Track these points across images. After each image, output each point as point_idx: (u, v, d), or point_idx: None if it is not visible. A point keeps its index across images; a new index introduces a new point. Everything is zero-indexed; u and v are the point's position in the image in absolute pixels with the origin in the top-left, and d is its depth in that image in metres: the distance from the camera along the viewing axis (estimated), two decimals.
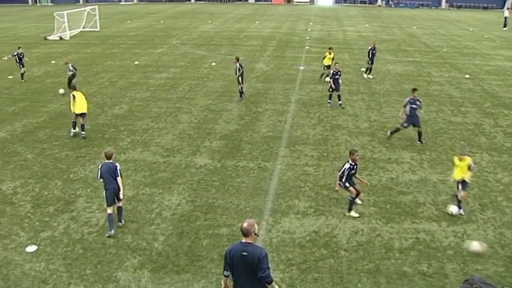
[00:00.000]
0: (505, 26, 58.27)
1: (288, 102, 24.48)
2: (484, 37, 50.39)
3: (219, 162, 17.20)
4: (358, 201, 14.29)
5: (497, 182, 16.37)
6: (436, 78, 30.68)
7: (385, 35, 48.19)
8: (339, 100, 23.45)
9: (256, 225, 8.19)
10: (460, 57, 38.44)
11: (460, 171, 14.04)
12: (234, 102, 24.21)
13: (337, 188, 14.05)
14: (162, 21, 60.97)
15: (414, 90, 19.34)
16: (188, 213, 13.84)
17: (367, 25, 55.98)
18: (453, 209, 13.79)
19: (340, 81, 23.35)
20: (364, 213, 13.98)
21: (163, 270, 11.37)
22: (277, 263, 11.58)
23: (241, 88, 24.36)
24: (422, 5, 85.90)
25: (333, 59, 27.80)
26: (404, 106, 19.15)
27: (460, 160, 14.03)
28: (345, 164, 13.67)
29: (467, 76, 31.54)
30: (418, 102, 19.05)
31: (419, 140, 19.31)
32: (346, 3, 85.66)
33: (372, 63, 29.71)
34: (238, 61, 23.91)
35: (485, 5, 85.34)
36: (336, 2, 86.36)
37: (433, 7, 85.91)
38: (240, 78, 23.91)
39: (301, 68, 32.50)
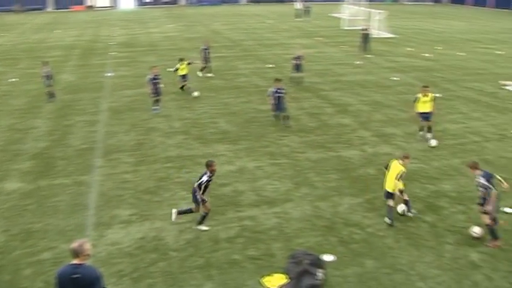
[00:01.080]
0: (298, 17, 62.80)
1: (98, 111, 23.65)
2: (281, 28, 53.75)
3: (31, 184, 15.98)
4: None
5: (307, 160, 17.64)
6: (242, 70, 32.02)
7: (190, 34, 48.96)
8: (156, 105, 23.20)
9: (87, 245, 7.79)
10: (262, 48, 40.55)
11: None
12: (41, 119, 22.67)
13: None
14: None
15: (278, 80, 20.73)
16: (3, 244, 12.60)
17: (171, 25, 56.33)
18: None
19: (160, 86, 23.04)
20: None
21: None
22: (107, 277, 11.08)
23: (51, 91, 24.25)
24: (223, 2, 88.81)
25: (189, 63, 27.02)
26: (269, 96, 20.65)
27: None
28: (202, 176, 12.81)
29: (270, 66, 33.44)
30: (283, 90, 20.52)
31: (285, 123, 20.83)
32: (148, 5, 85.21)
33: (207, 62, 30.22)
34: (46, 65, 23.87)
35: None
36: (138, 5, 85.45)
37: (233, 3, 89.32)
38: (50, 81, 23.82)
39: (109, 74, 31.60)
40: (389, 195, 13.43)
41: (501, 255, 12.14)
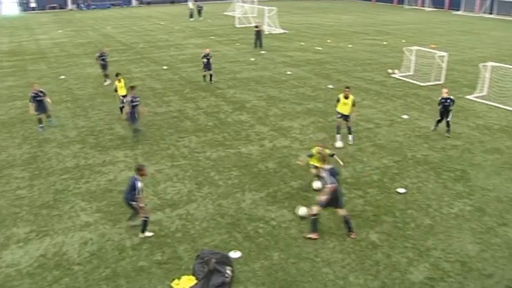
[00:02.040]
0: (191, 17, 62.60)
1: None
2: (175, 29, 53.35)
3: None
4: None
5: (208, 159, 17.74)
6: (136, 73, 31.45)
7: (81, 39, 47.26)
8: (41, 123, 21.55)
9: None
10: (156, 50, 40.07)
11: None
12: None
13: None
14: None
15: (132, 87, 19.59)
16: None
17: (60, 31, 54.05)
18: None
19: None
20: (90, 221, 13.71)
21: None
22: None
23: None
24: (113, 5, 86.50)
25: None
26: (128, 105, 19.16)
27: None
28: (134, 183, 12.32)
29: (165, 67, 33.16)
30: (137, 99, 19.33)
31: (136, 136, 19.59)
32: (34, 10, 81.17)
33: (105, 68, 28.87)
34: None
35: (172, 0, 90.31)
36: (23, 10, 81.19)
37: (124, 6, 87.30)
38: None
39: None
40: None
41: (397, 233, 12.95)
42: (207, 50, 28.31)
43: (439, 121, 20.14)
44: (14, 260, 12.12)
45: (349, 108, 18.93)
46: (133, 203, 12.56)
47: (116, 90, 22.46)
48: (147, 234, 12.99)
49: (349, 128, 19.23)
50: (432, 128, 20.42)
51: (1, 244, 12.80)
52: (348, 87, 19.31)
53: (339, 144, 18.91)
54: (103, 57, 28.81)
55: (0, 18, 72.10)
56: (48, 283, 11.22)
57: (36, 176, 16.68)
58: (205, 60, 27.92)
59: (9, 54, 40.70)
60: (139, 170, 12.56)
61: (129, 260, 11.99)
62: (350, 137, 19.26)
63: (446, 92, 19.83)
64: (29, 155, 18.50)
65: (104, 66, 28.99)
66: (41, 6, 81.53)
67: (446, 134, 19.76)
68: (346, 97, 18.90)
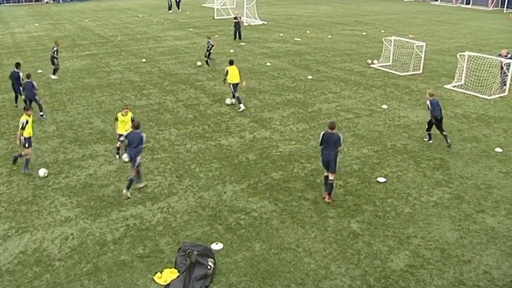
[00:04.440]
0: (169, 9, 62.17)
1: None
2: (153, 21, 52.95)
3: None
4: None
5: (188, 152, 17.69)
6: (115, 67, 31.16)
7: (58, 32, 46.62)
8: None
9: None
10: (134, 43, 39.72)
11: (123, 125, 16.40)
12: None
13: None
14: None
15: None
16: None
17: (36, 24, 53.25)
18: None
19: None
20: (70, 216, 13.59)
21: None
22: None
23: None
24: None
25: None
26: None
27: (123, 115, 16.37)
28: (141, 136, 14.42)
29: (144, 60, 32.92)
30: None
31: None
32: (9, 3, 79.79)
33: (53, 64, 28.50)
34: None
35: None
36: None
37: None
38: None
39: None
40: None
41: (378, 222, 13.08)
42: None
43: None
44: None
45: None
46: (138, 158, 14.35)
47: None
48: (141, 184, 15.07)
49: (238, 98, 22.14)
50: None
51: None
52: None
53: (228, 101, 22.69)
54: (54, 50, 28.30)
55: None
56: (28, 280, 11.11)
57: (14, 172, 16.46)
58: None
59: None
60: (138, 126, 14.52)
61: (110, 254, 11.93)
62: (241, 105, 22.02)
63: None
64: (6, 150, 18.23)
65: (53, 60, 28.49)
66: (16, 0, 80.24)
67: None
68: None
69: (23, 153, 16.37)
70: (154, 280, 10.94)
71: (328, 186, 14.03)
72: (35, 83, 21.26)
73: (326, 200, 14.07)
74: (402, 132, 19.39)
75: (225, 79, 22.34)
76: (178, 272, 11.07)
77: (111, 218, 13.49)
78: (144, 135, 14.57)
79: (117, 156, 17.27)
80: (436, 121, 17.84)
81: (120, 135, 16.22)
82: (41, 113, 21.42)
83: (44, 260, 11.77)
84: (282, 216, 13.39)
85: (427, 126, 18.36)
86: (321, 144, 13.94)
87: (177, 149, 17.97)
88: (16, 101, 22.79)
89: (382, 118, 21.04)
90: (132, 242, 12.38)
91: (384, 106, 22.60)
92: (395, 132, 19.47)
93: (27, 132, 16.06)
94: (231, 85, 22.30)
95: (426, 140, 18.58)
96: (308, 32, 43.98)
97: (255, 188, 15.03)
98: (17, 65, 22.33)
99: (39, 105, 21.42)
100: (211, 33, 43.39)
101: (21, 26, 51.69)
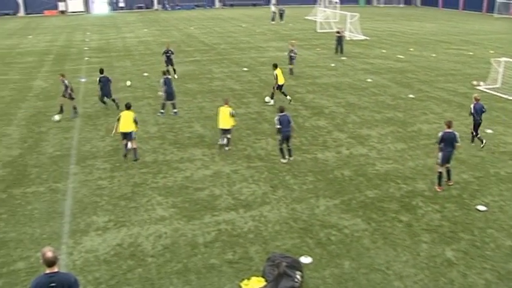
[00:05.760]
0: (273, 20, 63.06)
1: (74, 117, 23.37)
2: (256, 31, 53.89)
3: (4, 193, 15.70)
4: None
5: (284, 163, 17.69)
6: (217, 74, 32.00)
7: (165, 38, 48.70)
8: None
9: (56, 253, 7.76)
10: (237, 52, 40.60)
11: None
12: (13, 126, 22.29)
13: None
14: None
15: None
16: None
17: (145, 30, 56.01)
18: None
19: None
20: (165, 215, 14.03)
21: None
22: (84, 285, 10.99)
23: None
24: (197, 6, 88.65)
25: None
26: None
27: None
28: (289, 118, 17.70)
29: (245, 69, 33.52)
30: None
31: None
32: (122, 10, 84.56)
33: (171, 65, 30.47)
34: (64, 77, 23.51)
35: (254, 3, 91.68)
36: (112, 10, 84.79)
37: (208, 7, 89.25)
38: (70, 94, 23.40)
39: (83, 80, 31.22)
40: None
41: (475, 253, 12.36)
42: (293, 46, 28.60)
43: None
44: (93, 246, 12.60)
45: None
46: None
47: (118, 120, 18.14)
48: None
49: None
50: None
51: (82, 230, 13.36)
52: None
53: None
54: (168, 53, 30.37)
55: (91, 17, 75.60)
56: (122, 271, 11.56)
57: (116, 168, 17.30)
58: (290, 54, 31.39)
59: (98, 51, 42.61)
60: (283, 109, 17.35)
61: (200, 256, 12.14)
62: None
63: None
64: (111, 147, 19.23)
65: (168, 62, 30.51)
66: (128, 6, 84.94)
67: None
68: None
69: (129, 146, 17.98)
70: (240, 286, 10.99)
71: (448, 173, 15.84)
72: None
73: (449, 184, 15.89)
74: (508, 160, 18.28)
75: (275, 83, 24.69)
76: (266, 281, 11.05)
77: (204, 221, 13.75)
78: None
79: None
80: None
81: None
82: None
83: (138, 255, 12.20)
84: (374, 236, 13.02)
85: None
86: (439, 143, 15.41)
87: (273, 159, 18.04)
88: (118, 107, 23.84)
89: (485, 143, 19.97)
90: (223, 247, 12.53)
91: (489, 130, 21.44)
92: (500, 159, 18.39)
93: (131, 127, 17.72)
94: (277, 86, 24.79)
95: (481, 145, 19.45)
96: (411, 49, 42.83)
97: (349, 204, 14.75)
98: (101, 71, 24.35)
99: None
100: (313, 46, 43.47)
101: (131, 31, 54.54)
